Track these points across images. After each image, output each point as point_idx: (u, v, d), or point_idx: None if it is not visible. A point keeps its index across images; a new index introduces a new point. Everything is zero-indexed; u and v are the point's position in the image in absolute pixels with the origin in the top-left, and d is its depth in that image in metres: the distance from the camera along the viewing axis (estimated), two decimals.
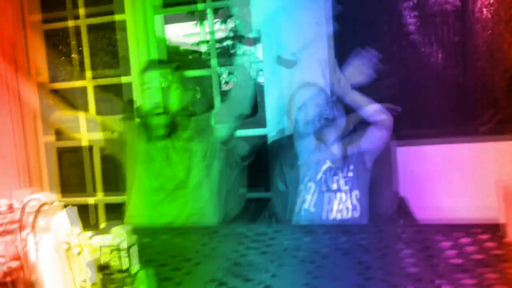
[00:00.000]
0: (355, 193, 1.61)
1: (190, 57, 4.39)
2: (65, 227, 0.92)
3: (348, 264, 1.02)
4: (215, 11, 2.51)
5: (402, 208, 1.67)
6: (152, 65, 1.83)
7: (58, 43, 2.82)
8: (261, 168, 2.01)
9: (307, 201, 1.63)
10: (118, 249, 1.03)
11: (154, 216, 1.69)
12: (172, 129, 1.75)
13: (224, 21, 4.59)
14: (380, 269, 0.97)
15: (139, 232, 1.11)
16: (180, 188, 1.72)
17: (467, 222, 1.19)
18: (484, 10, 2.04)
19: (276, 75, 2.18)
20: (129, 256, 1.03)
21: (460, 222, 1.21)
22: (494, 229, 1.10)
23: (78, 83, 2.56)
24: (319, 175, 1.66)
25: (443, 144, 2.00)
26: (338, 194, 1.61)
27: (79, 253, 0.89)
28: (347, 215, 1.59)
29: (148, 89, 1.73)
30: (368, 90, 1.64)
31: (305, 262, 1.05)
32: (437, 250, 1.04)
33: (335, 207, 1.60)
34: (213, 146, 1.77)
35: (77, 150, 2.54)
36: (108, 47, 3.18)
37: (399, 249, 1.08)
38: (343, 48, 2.13)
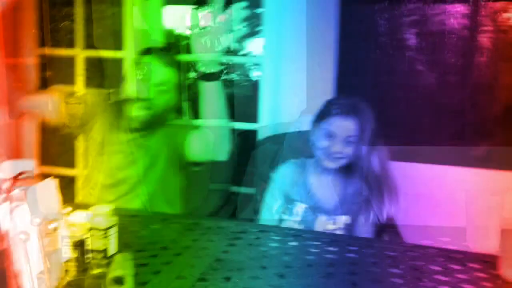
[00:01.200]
0: (346, 218, 1.48)
1: (186, 42, 4.27)
2: (44, 200, 0.85)
3: (334, 277, 0.98)
4: None
5: (391, 227, 1.64)
6: (155, 51, 1.63)
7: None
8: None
9: (293, 218, 1.52)
10: (97, 229, 0.96)
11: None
12: (149, 125, 1.60)
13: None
14: (366, 285, 0.94)
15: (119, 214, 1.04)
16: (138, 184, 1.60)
17: (454, 248, 1.17)
18: (486, 38, 2.05)
19: (275, 70, 2.14)
20: (107, 237, 0.97)
21: (447, 247, 1.18)
22: (481, 259, 1.09)
23: (67, 52, 2.46)
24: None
25: (435, 165, 1.99)
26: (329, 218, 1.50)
27: (55, 229, 0.82)
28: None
29: (141, 76, 1.56)
30: None
31: (287, 266, 1.01)
32: (425, 273, 1.02)
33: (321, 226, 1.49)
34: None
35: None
36: (101, 20, 3.05)
37: (386, 266, 1.06)
38: (345, 54, 2.12)
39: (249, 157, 1.94)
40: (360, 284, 0.94)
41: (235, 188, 2.09)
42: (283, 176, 1.55)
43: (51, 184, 0.91)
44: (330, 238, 1.24)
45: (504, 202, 1.73)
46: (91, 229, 0.96)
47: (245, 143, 2.10)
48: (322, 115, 1.47)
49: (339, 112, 1.42)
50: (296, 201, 1.50)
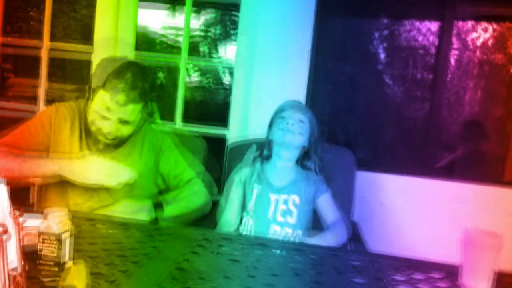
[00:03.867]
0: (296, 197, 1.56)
1: (159, 41, 4.19)
2: None
3: (297, 286, 0.97)
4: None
5: (354, 235, 1.63)
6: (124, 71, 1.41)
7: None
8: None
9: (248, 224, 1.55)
10: (51, 236, 0.91)
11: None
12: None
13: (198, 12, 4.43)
14: None
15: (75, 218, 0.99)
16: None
17: (418, 258, 1.18)
18: (453, 60, 2.11)
19: (247, 78, 2.12)
20: (61, 245, 0.92)
21: (410, 257, 1.19)
22: (443, 269, 1.10)
23: (31, 42, 2.38)
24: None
25: (399, 176, 2.02)
26: (283, 228, 1.53)
27: (7, 238, 0.77)
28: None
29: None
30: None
31: (252, 276, 0.98)
32: (387, 282, 1.01)
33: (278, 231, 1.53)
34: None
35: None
36: (71, 13, 2.97)
37: (350, 276, 1.04)
38: (319, 64, 2.14)
39: (218, 163, 1.91)
40: None
41: None
42: (242, 171, 1.61)
43: (2, 188, 0.85)
44: (294, 246, 1.22)
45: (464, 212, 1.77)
46: (42, 235, 0.91)
47: (214, 149, 2.07)
48: (276, 113, 1.61)
49: (291, 106, 1.59)
50: (252, 184, 1.56)
